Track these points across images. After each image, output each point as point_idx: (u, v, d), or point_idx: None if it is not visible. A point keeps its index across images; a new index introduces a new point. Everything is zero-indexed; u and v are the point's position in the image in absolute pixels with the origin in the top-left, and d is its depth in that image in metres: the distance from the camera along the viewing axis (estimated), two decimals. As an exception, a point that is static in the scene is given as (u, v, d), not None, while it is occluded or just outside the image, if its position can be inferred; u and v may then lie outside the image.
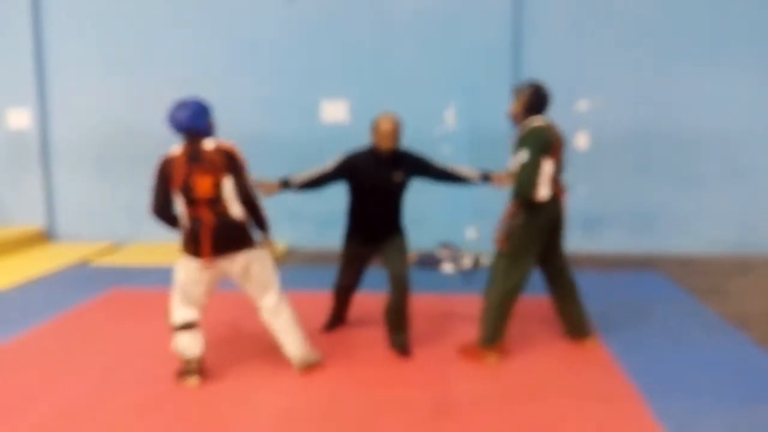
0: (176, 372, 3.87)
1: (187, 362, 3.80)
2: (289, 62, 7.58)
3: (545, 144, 3.89)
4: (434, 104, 7.39)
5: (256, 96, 7.68)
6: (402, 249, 4.26)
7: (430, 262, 6.75)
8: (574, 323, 4.37)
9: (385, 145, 4.10)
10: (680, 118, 7.18)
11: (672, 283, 6.03)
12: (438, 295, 5.60)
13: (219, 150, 3.61)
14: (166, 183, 3.63)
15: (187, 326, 3.81)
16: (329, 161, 4.23)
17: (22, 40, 7.86)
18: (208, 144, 3.62)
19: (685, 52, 7.08)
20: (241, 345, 4.42)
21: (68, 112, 8.04)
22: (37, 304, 5.49)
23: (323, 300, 4.87)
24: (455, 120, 7.40)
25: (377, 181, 4.15)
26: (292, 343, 3.92)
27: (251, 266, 3.75)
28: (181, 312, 3.83)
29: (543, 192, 3.94)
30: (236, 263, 3.71)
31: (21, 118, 8.03)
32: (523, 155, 3.87)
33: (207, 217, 3.60)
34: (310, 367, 3.98)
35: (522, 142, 3.94)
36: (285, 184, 4.21)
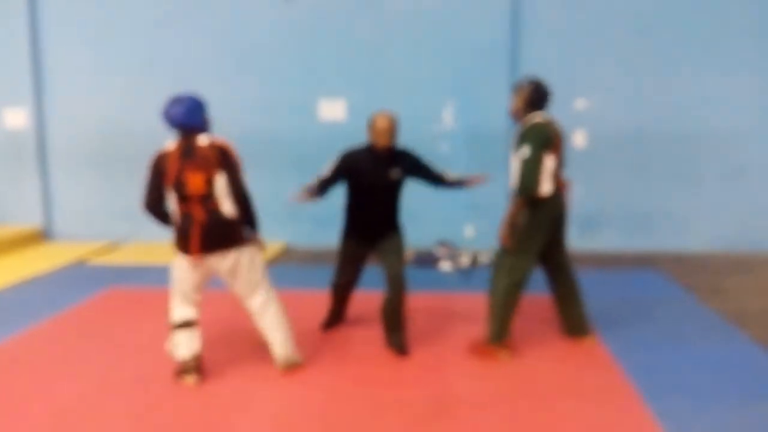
0: (175, 371, 3.86)
1: (185, 361, 3.79)
2: (287, 61, 7.57)
3: (546, 140, 3.89)
4: (432, 103, 7.39)
5: (254, 95, 7.67)
6: (399, 248, 4.25)
7: (428, 260, 6.74)
8: (573, 321, 4.37)
9: (382, 142, 4.09)
10: (679, 117, 7.18)
11: (671, 281, 6.03)
12: (436, 294, 5.60)
13: (213, 146, 3.59)
14: (160, 178, 3.61)
15: (186, 325, 3.80)
16: (327, 165, 4.21)
17: (19, 39, 7.83)
18: (202, 140, 3.60)
19: (684, 51, 7.07)
20: (240, 344, 4.41)
21: (65, 112, 8.02)
22: (35, 303, 5.47)
23: (321, 299, 4.86)
24: (453, 119, 7.40)
25: (374, 179, 4.14)
26: (277, 340, 3.90)
27: (241, 264, 3.73)
28: (180, 310, 3.83)
29: (545, 187, 3.94)
30: (226, 261, 3.69)
31: (18, 118, 8.01)
32: (525, 151, 3.88)
33: (198, 213, 3.59)
34: (291, 368, 3.95)
35: (523, 138, 3.94)
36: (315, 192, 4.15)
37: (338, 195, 4.46)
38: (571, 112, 7.15)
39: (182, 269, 3.74)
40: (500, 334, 4.12)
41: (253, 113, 7.67)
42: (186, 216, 3.61)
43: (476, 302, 5.27)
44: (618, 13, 7.10)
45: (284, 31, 7.53)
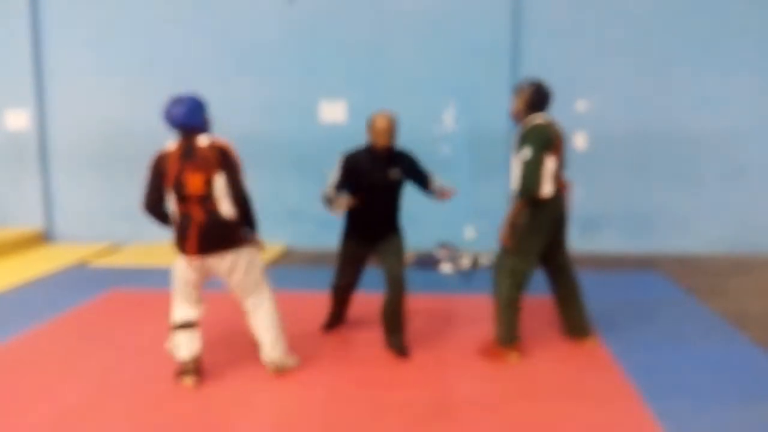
0: (175, 372, 3.86)
1: (184, 362, 3.79)
2: (288, 62, 7.58)
3: (547, 141, 3.90)
4: (433, 104, 7.39)
5: (255, 96, 7.68)
6: (399, 249, 4.25)
7: (428, 262, 6.75)
8: (574, 322, 4.37)
9: (381, 142, 4.10)
10: (679, 117, 7.18)
11: (671, 283, 6.03)
12: (436, 296, 5.60)
13: (213, 147, 3.59)
14: (160, 179, 3.62)
15: (186, 326, 3.80)
16: (333, 171, 4.21)
17: (21, 41, 7.85)
18: (203, 141, 3.60)
19: (685, 52, 7.08)
20: (241, 345, 4.41)
21: (67, 114, 8.03)
22: (36, 305, 5.48)
23: (322, 300, 4.86)
24: (454, 120, 7.40)
25: (374, 179, 4.15)
26: (268, 343, 3.90)
27: (239, 265, 3.73)
28: (180, 311, 3.83)
29: (546, 189, 3.94)
30: (224, 262, 3.70)
31: (19, 120, 8.02)
32: (526, 153, 3.88)
33: (197, 214, 3.59)
34: (282, 371, 3.95)
35: (523, 140, 3.95)
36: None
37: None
38: (572, 114, 7.16)
39: (182, 269, 3.75)
40: (509, 336, 4.13)
41: (253, 114, 7.68)
42: (185, 216, 3.62)
43: (477, 304, 5.28)
44: (619, 14, 7.11)
45: (285, 32, 7.54)
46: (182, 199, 3.59)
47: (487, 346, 4.25)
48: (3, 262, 7.10)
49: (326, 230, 7.27)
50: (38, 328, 4.86)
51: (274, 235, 7.22)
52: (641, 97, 7.19)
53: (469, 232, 7.48)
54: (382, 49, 7.41)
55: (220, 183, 3.59)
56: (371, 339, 4.50)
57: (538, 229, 4.02)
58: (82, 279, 6.43)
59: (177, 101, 3.60)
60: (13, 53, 7.89)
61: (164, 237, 3.94)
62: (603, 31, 7.15)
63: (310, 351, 4.27)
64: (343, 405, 3.58)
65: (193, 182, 3.54)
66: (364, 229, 4.30)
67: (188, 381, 3.79)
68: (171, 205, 3.68)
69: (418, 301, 5.23)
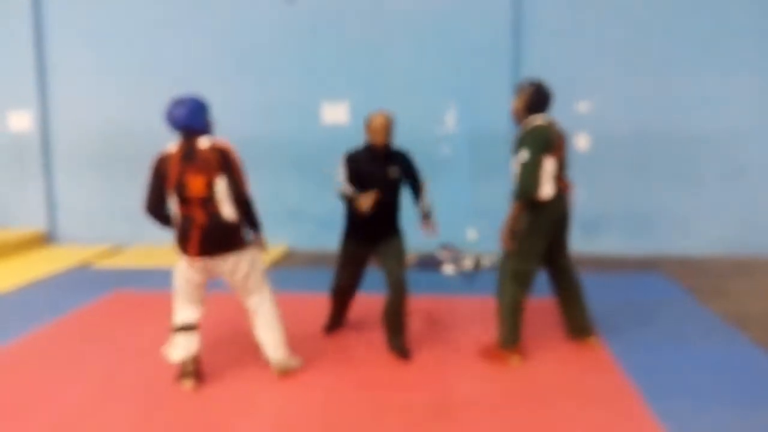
0: (175, 374, 3.87)
1: (183, 364, 3.80)
2: (290, 64, 7.60)
3: (545, 143, 3.89)
4: (434, 105, 7.40)
5: (256, 97, 7.70)
6: (399, 251, 4.26)
7: (430, 263, 6.75)
8: (577, 323, 4.38)
9: (379, 140, 4.13)
10: (680, 118, 7.18)
11: (672, 283, 6.03)
12: (438, 297, 5.60)
13: (214, 149, 3.59)
14: (161, 181, 3.62)
15: (186, 328, 3.81)
16: (338, 169, 4.23)
17: (23, 43, 7.88)
18: (203, 143, 3.60)
19: (685, 52, 7.08)
20: (241, 347, 4.42)
21: (69, 115, 8.06)
22: (39, 306, 5.49)
23: (323, 302, 4.87)
24: (455, 121, 7.41)
25: (373, 177, 4.16)
26: (271, 344, 3.91)
27: (241, 267, 3.74)
28: (182, 313, 3.84)
29: (546, 190, 3.94)
30: (226, 263, 3.71)
31: (22, 121, 8.05)
32: (523, 155, 3.88)
33: (198, 216, 3.60)
34: (286, 372, 3.96)
35: (522, 142, 3.94)
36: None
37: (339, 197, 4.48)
38: (573, 114, 7.16)
39: (184, 271, 3.76)
40: (511, 338, 4.13)
41: (254, 115, 7.70)
42: (186, 218, 3.62)
43: (479, 305, 5.29)
44: (619, 14, 7.11)
45: (287, 33, 7.56)
46: (184, 201, 3.60)
47: (489, 348, 4.26)
48: (5, 263, 7.11)
49: (327, 231, 7.29)
50: (40, 330, 4.87)
51: (275, 236, 7.23)
52: (642, 97, 7.19)
53: (471, 234, 7.49)
54: (383, 50, 7.43)
55: (221, 185, 3.59)
56: (372, 340, 4.51)
57: (539, 231, 4.02)
58: (84, 280, 6.44)
59: (179, 102, 3.60)
60: (15, 55, 7.93)
61: (166, 238, 3.96)
62: (604, 32, 7.15)
63: (311, 352, 4.28)
64: (343, 406, 3.59)
65: (195, 184, 3.55)
66: (363, 229, 4.29)
67: (187, 384, 3.79)
68: (172, 207, 3.69)
69: (420, 302, 5.24)
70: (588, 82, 7.21)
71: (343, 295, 4.58)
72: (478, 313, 5.06)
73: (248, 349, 4.34)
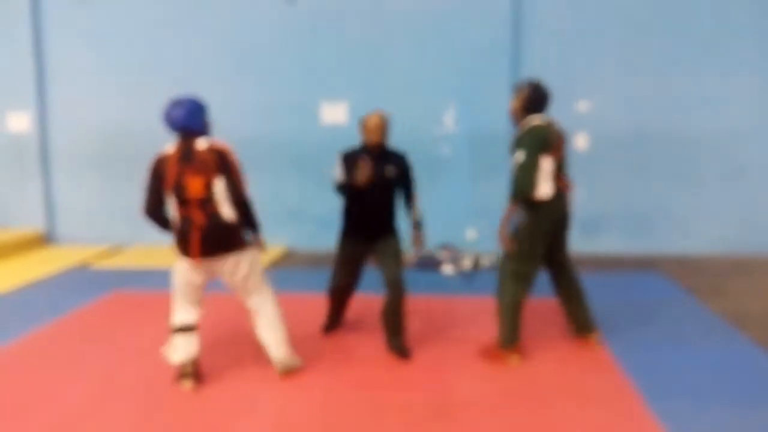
0: (175, 375, 3.87)
1: (182, 365, 3.80)
2: (290, 64, 7.59)
3: (542, 143, 3.89)
4: (434, 105, 7.40)
5: (257, 97, 7.70)
6: (396, 251, 4.26)
7: (430, 263, 6.75)
8: (579, 321, 4.39)
9: (375, 138, 4.15)
10: (679, 118, 7.18)
11: (672, 283, 6.03)
12: (438, 297, 5.60)
13: (212, 150, 3.59)
14: (159, 182, 3.62)
15: (185, 329, 3.81)
16: (335, 168, 4.23)
17: (22, 44, 7.88)
18: (201, 144, 3.60)
19: (684, 51, 7.09)
20: (240, 347, 4.42)
21: (68, 116, 8.05)
22: (38, 307, 5.49)
23: (323, 302, 4.86)
24: (454, 121, 7.41)
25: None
26: (273, 343, 3.91)
27: (240, 267, 3.74)
28: (180, 314, 3.84)
29: (545, 190, 3.94)
30: (226, 264, 3.71)
31: (21, 122, 8.04)
32: (519, 156, 3.88)
33: (198, 217, 3.60)
34: (290, 371, 3.96)
35: (519, 142, 3.94)
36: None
37: (338, 197, 4.48)
38: (573, 114, 7.16)
39: (183, 272, 3.76)
40: (511, 338, 4.13)
41: (254, 115, 7.70)
42: (185, 220, 3.62)
43: (478, 305, 5.28)
44: (619, 14, 7.12)
45: (286, 34, 7.55)
46: (182, 202, 3.59)
47: (488, 348, 4.26)
48: (4, 263, 7.11)
49: (327, 231, 7.28)
50: (39, 330, 4.87)
51: (274, 237, 7.23)
52: (642, 97, 7.19)
53: (470, 234, 7.49)
54: (383, 50, 7.43)
55: (219, 186, 3.59)
56: (371, 340, 4.51)
57: (539, 231, 4.02)
58: (83, 281, 6.44)
59: (177, 103, 3.60)
60: (14, 56, 7.92)
61: (165, 238, 3.96)
62: (604, 32, 7.15)
63: (311, 352, 4.27)
64: (343, 406, 3.59)
65: (193, 186, 3.55)
66: (361, 228, 4.29)
67: (187, 384, 3.79)
68: (171, 208, 3.68)
69: (419, 302, 5.24)
70: (588, 82, 7.21)
71: (341, 294, 4.58)
72: (478, 313, 5.06)
73: (247, 350, 4.34)
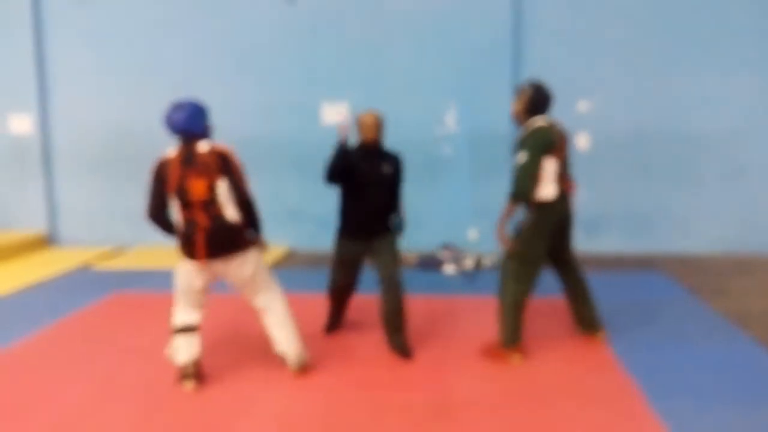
0: (176, 376, 3.88)
1: (183, 366, 3.81)
2: (290, 64, 7.60)
3: (545, 144, 3.89)
4: (435, 105, 7.40)
5: (257, 98, 7.70)
6: (392, 248, 4.27)
7: (431, 263, 6.75)
8: (584, 319, 4.40)
9: (371, 136, 4.19)
10: (680, 118, 7.18)
11: (673, 282, 6.02)
12: (439, 297, 5.60)
13: (213, 152, 3.61)
14: (162, 186, 3.63)
15: (186, 329, 3.82)
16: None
17: (24, 46, 7.89)
18: (203, 146, 3.61)
19: (685, 52, 7.08)
20: (241, 347, 4.43)
21: (70, 118, 8.07)
22: (40, 308, 5.50)
23: (324, 302, 4.86)
24: (455, 121, 7.41)
25: (367, 173, 4.19)
26: (286, 341, 3.92)
27: (246, 268, 3.75)
28: (182, 315, 3.85)
29: (548, 191, 3.94)
30: (231, 265, 3.71)
31: (23, 124, 8.06)
32: (522, 157, 3.89)
33: (202, 219, 3.60)
34: (305, 368, 3.97)
35: (522, 144, 3.95)
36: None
37: (338, 196, 4.48)
38: (574, 114, 7.16)
39: (186, 274, 3.76)
40: (512, 337, 4.13)
41: (254, 115, 7.70)
42: (190, 222, 3.63)
43: (480, 305, 5.28)
44: (619, 14, 7.11)
45: (287, 34, 7.56)
46: (186, 205, 3.61)
47: (490, 347, 4.26)
48: (6, 265, 7.12)
49: (327, 231, 7.27)
50: (42, 332, 4.87)
51: (275, 237, 7.23)
52: (642, 97, 7.19)
53: (472, 233, 7.49)
54: (383, 50, 7.43)
55: (222, 188, 3.61)
56: (372, 340, 4.51)
57: (542, 232, 4.02)
58: (85, 282, 6.45)
59: (178, 107, 3.61)
60: (16, 58, 7.93)
61: (167, 240, 3.96)
62: (604, 32, 7.15)
63: (312, 353, 4.26)
64: (344, 406, 3.59)
65: (196, 188, 3.56)
66: (358, 225, 4.29)
67: (188, 385, 3.80)
68: (175, 211, 3.69)
69: (420, 302, 5.24)
70: (588, 82, 7.21)
71: (341, 294, 4.59)
72: (479, 313, 5.06)
73: (248, 350, 4.34)
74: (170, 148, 3.71)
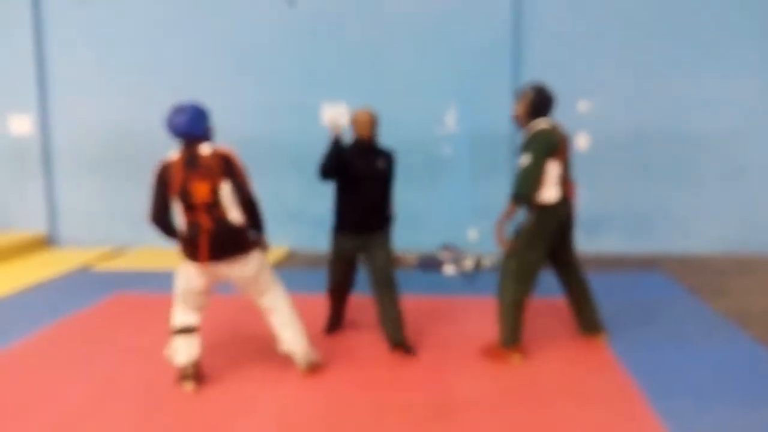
0: (176, 377, 3.87)
1: (183, 367, 3.80)
2: (290, 65, 7.60)
3: (549, 147, 3.89)
4: (435, 106, 7.40)
5: (257, 98, 7.70)
6: (384, 243, 4.30)
7: (431, 263, 6.75)
8: (586, 321, 4.40)
9: (365, 132, 4.25)
10: (680, 118, 7.18)
11: (673, 282, 6.02)
12: (440, 297, 5.60)
13: (216, 155, 3.61)
14: (165, 189, 3.62)
15: (186, 330, 3.81)
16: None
17: (24, 47, 7.89)
18: (205, 149, 3.62)
19: (685, 53, 7.08)
20: (241, 348, 4.43)
21: (69, 119, 8.07)
22: (40, 309, 5.49)
23: (324, 303, 4.86)
24: (455, 121, 7.41)
25: (362, 170, 4.21)
26: (293, 340, 3.92)
27: (249, 269, 3.75)
28: (181, 316, 3.84)
29: (551, 193, 3.95)
30: (235, 267, 3.71)
31: (23, 125, 8.06)
32: (525, 159, 3.89)
33: (205, 221, 3.60)
34: (314, 368, 3.97)
35: (525, 146, 3.95)
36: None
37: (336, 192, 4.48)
38: (574, 115, 7.16)
39: (189, 276, 3.76)
40: (512, 337, 4.13)
41: (254, 116, 7.70)
42: (193, 225, 3.62)
43: (480, 305, 5.28)
44: (619, 15, 7.11)
45: (287, 35, 7.56)
46: (189, 207, 3.60)
47: (490, 348, 4.25)
48: (7, 266, 7.12)
49: (327, 232, 7.28)
50: (42, 333, 4.87)
51: (275, 238, 7.21)
52: (642, 98, 7.19)
53: (472, 234, 7.48)
54: (384, 51, 7.43)
55: (226, 190, 3.61)
56: (372, 340, 4.51)
57: (543, 233, 4.02)
58: (85, 283, 6.44)
59: (179, 110, 3.61)
60: (16, 59, 7.93)
61: (167, 241, 3.96)
62: (604, 33, 7.15)
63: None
64: (344, 406, 3.59)
65: (199, 191, 3.56)
66: (353, 220, 4.30)
67: (188, 386, 3.79)
68: (178, 214, 3.68)
69: (420, 303, 5.24)
70: (588, 82, 7.21)
71: (340, 292, 4.60)
72: (479, 314, 5.06)
73: (248, 351, 4.34)
74: (172, 150, 3.71)
